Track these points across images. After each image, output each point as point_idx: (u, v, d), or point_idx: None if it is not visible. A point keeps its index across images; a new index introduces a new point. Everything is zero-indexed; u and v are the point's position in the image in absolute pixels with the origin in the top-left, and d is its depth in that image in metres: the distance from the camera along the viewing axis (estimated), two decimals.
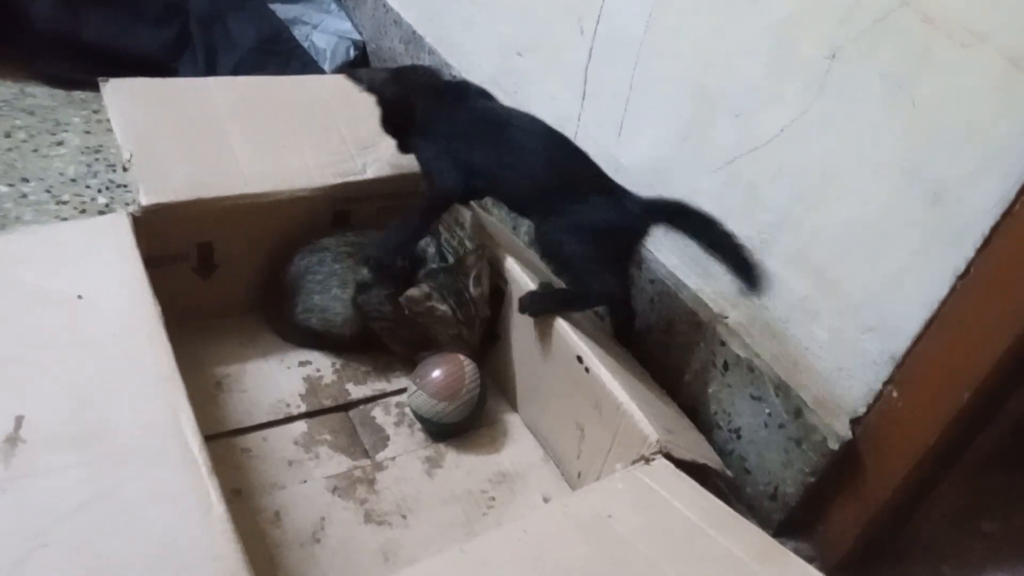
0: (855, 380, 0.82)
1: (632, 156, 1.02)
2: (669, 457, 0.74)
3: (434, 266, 0.96)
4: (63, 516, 0.56)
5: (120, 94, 0.91)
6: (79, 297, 0.72)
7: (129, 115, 0.90)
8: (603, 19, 1.02)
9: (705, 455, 0.82)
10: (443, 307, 0.91)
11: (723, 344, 0.92)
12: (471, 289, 0.92)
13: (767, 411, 0.89)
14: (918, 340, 0.76)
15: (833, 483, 0.86)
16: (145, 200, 0.84)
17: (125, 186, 1.23)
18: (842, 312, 0.82)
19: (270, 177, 0.93)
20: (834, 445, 0.83)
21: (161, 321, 0.72)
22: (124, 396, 0.65)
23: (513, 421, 0.97)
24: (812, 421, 0.85)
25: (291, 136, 0.97)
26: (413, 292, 0.90)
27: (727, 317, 0.93)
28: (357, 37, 1.60)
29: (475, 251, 0.95)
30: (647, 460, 0.73)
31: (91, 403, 0.64)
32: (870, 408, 0.82)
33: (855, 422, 0.83)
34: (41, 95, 1.38)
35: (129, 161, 0.86)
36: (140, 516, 0.58)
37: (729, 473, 0.86)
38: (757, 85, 0.85)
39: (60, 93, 1.38)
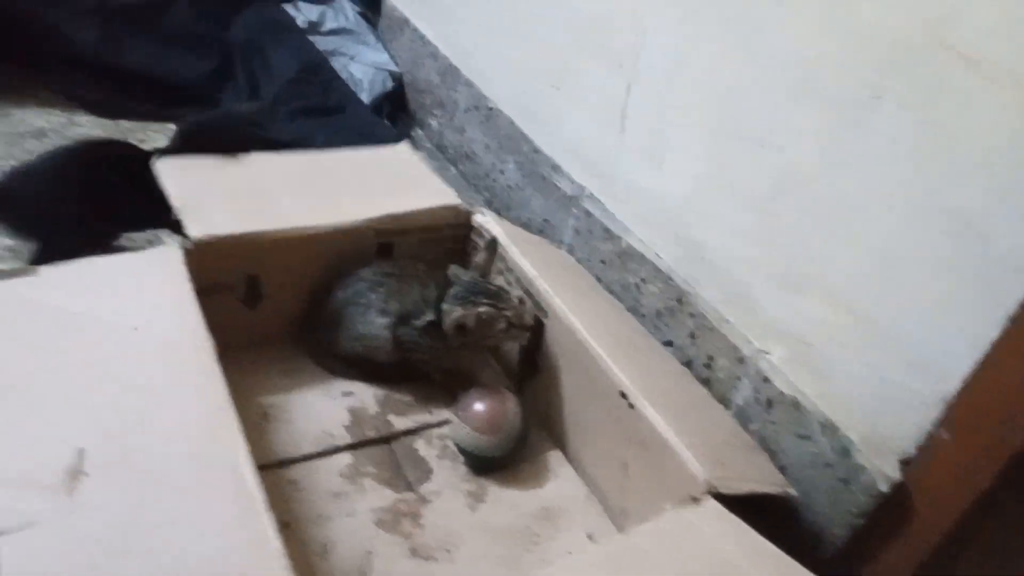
0: (904, 420, 0.81)
1: (669, 190, 1.03)
2: (719, 496, 0.74)
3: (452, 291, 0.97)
4: (125, 548, 0.57)
5: (171, 169, 0.95)
6: (134, 329, 0.74)
7: (181, 186, 0.93)
8: (641, 55, 1.03)
9: (762, 478, 0.82)
10: (481, 309, 0.91)
11: (767, 381, 0.92)
12: (494, 284, 0.96)
13: (813, 450, 0.88)
14: (970, 381, 0.76)
15: (882, 524, 0.85)
16: (195, 233, 0.86)
17: None
18: (888, 351, 0.81)
19: (314, 212, 0.95)
20: (883, 487, 0.82)
21: (214, 355, 0.73)
22: (179, 429, 0.66)
23: (555, 456, 0.96)
24: (860, 461, 0.84)
25: (335, 197, 1.02)
26: (448, 320, 0.91)
27: (770, 353, 0.92)
28: (394, 68, 1.63)
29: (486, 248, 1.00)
30: (695, 500, 0.73)
31: (148, 435, 0.65)
32: (920, 449, 0.81)
33: (904, 463, 0.82)
34: (89, 124, 1.41)
35: (179, 211, 0.88)
36: (198, 549, 0.58)
37: (792, 491, 0.85)
38: (790, 122, 0.85)
39: (108, 123, 1.41)
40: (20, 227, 1.06)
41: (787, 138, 0.85)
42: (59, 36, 1.39)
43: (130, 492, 0.61)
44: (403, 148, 1.16)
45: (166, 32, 1.46)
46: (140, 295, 0.78)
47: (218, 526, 0.60)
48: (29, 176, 1.06)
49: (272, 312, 0.98)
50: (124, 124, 1.43)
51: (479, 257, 1.00)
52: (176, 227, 1.12)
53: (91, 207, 1.05)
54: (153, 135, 1.43)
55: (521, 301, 0.97)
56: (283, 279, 0.97)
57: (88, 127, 1.41)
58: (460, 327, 0.91)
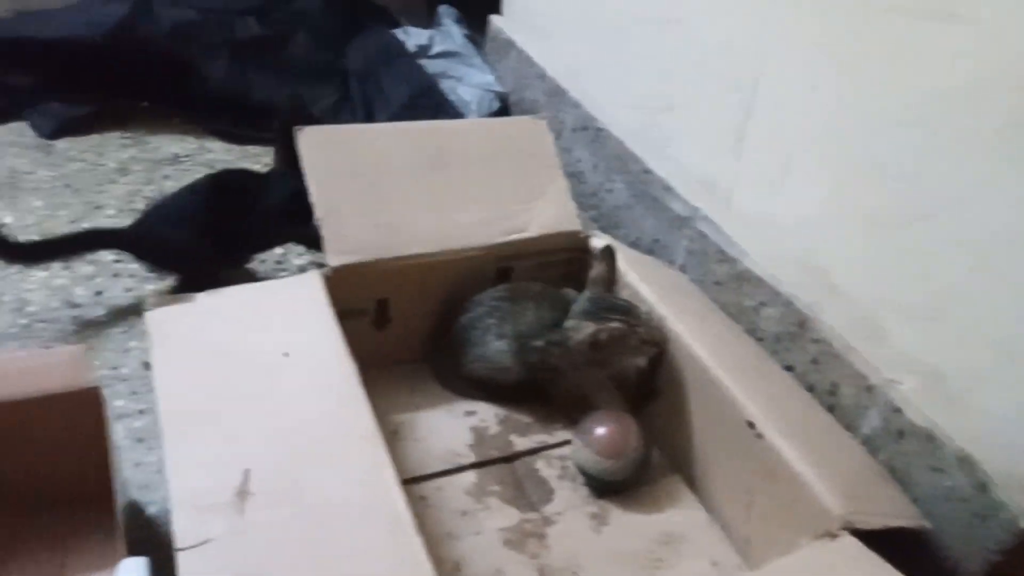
0: None
1: (792, 214, 1.02)
2: (855, 531, 0.73)
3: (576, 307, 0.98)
4: (292, 565, 0.61)
5: (312, 142, 0.97)
6: (285, 355, 0.78)
7: (319, 166, 0.96)
8: (762, 81, 1.02)
9: (896, 511, 0.80)
10: (613, 324, 0.92)
11: (898, 411, 0.90)
12: (620, 298, 0.97)
13: (948, 484, 0.86)
14: None
15: (1020, 560, 0.82)
16: (334, 262, 0.91)
17: None
18: None
19: (442, 237, 0.98)
20: None
21: (359, 380, 0.77)
22: (332, 452, 0.70)
23: (674, 480, 0.97)
24: (1000, 497, 0.81)
25: (463, 190, 1.02)
26: (576, 341, 0.92)
27: (902, 383, 0.90)
28: (500, 89, 1.67)
29: (601, 255, 1.00)
30: (832, 537, 0.72)
31: (303, 459, 0.69)
32: None
33: None
34: (219, 150, 1.51)
35: (319, 220, 0.92)
36: (358, 571, 0.62)
37: (927, 524, 0.83)
38: (932, 154, 0.83)
39: (236, 149, 1.50)
40: (159, 264, 1.15)
41: (925, 167, 0.83)
42: (191, 70, 1.48)
43: (293, 512, 0.65)
44: (535, 124, 1.11)
45: (288, 63, 1.54)
46: (287, 321, 0.83)
47: (373, 550, 0.64)
48: (162, 216, 1.14)
49: (399, 333, 1.02)
50: (251, 149, 1.52)
51: (597, 270, 0.99)
52: (306, 239, 1.16)
53: (222, 234, 1.12)
54: None
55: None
56: (409, 302, 1.01)
57: (218, 152, 1.50)
58: (593, 343, 0.91)
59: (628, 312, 0.94)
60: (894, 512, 0.80)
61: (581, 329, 0.92)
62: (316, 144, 0.97)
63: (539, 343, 0.96)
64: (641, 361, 0.96)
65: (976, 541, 0.83)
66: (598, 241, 1.07)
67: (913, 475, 0.89)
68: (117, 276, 1.19)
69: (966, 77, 0.78)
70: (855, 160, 0.91)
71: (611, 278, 1.00)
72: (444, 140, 1.05)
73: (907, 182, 0.85)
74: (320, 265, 1.27)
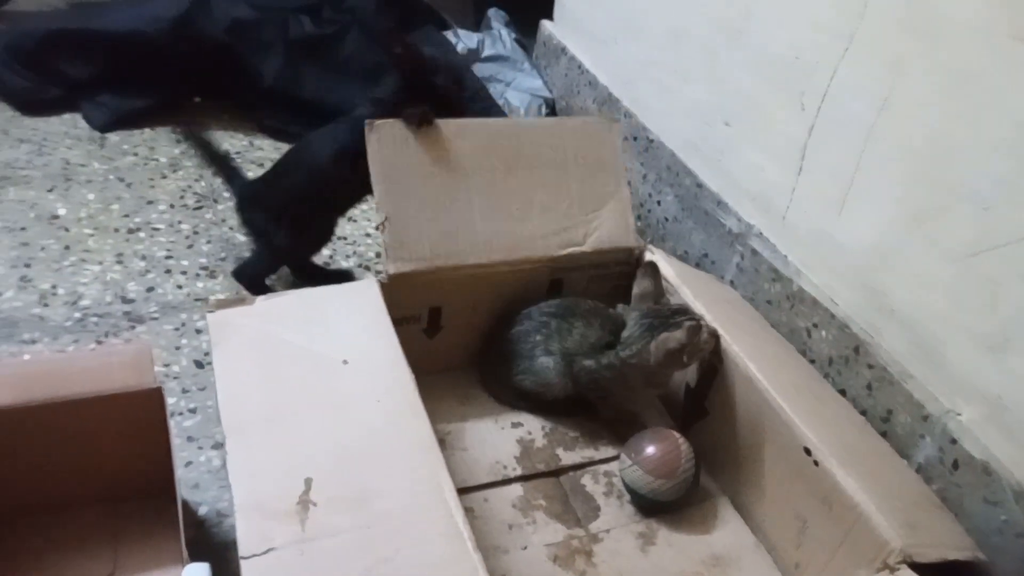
0: None
1: (853, 235, 1.00)
2: (913, 564, 0.72)
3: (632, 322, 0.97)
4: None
5: (382, 135, 0.95)
6: (344, 362, 0.79)
7: (386, 164, 0.95)
8: (829, 97, 1.01)
9: (952, 542, 0.79)
10: (689, 323, 0.91)
11: (954, 442, 0.88)
12: (667, 304, 0.97)
13: (1003, 518, 0.84)
14: None
15: None
16: (392, 269, 0.91)
17: (344, 238, 1.33)
18: None
19: (500, 247, 0.98)
20: None
21: (415, 388, 0.77)
22: (392, 463, 0.70)
23: (722, 501, 0.96)
24: None
25: (526, 197, 1.01)
26: (671, 344, 0.90)
27: (960, 414, 0.88)
28: (548, 95, 1.66)
29: (645, 271, 1.00)
30: (891, 570, 0.71)
31: (363, 468, 0.70)
32: None
33: None
34: (267, 147, 1.52)
35: (383, 225, 0.92)
36: None
37: (982, 555, 0.81)
38: (1010, 181, 0.81)
39: (284, 146, 1.51)
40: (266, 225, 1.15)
41: (999, 196, 0.82)
42: (245, 66, 1.50)
43: (353, 522, 0.65)
44: (609, 125, 1.09)
45: (340, 62, 1.54)
46: (346, 328, 0.83)
47: (434, 563, 0.64)
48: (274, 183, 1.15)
49: (449, 341, 1.03)
50: None
51: (643, 286, 0.99)
52: None
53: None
54: None
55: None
56: (460, 310, 1.01)
57: (268, 150, 1.52)
58: (671, 351, 0.90)
59: (686, 313, 0.94)
60: (950, 543, 0.79)
61: (665, 343, 0.90)
62: (386, 139, 0.95)
63: (589, 363, 0.96)
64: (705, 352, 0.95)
65: None
66: (651, 256, 1.06)
67: (967, 507, 0.87)
68: (169, 272, 1.20)
69: None
70: (929, 184, 0.89)
71: (658, 291, 1.00)
72: (518, 139, 1.02)
73: (987, 209, 0.83)
74: (366, 268, 1.29)
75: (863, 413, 0.98)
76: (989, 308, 0.84)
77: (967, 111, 0.84)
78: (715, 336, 0.94)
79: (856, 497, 0.77)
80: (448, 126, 0.98)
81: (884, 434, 0.96)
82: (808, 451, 0.82)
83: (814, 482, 0.82)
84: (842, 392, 1.01)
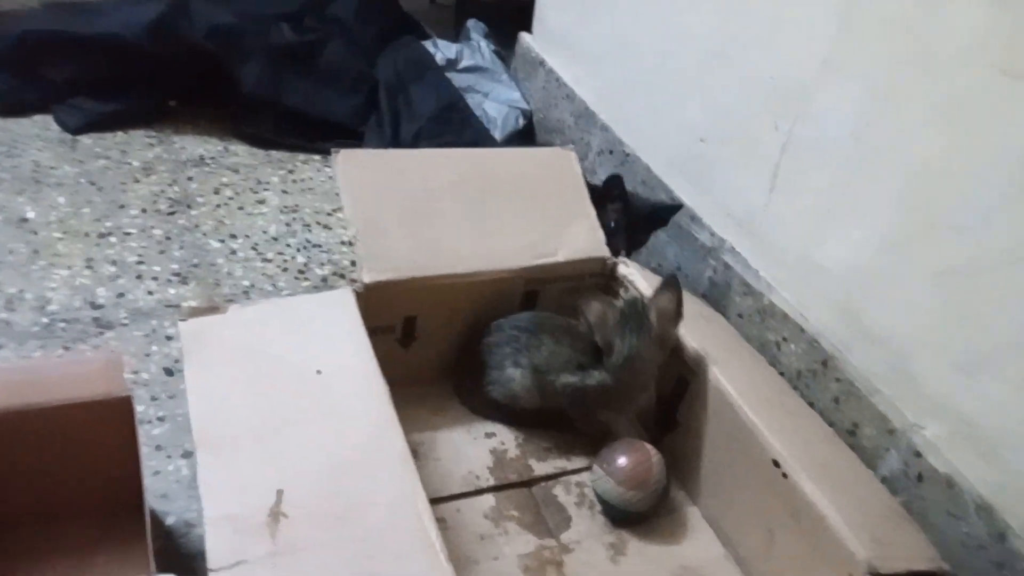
0: None
1: (829, 256, 1.01)
2: (877, 574, 0.73)
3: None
4: None
5: (349, 164, 0.98)
6: (318, 372, 0.78)
7: (355, 186, 0.97)
8: (803, 119, 1.03)
9: (918, 554, 0.80)
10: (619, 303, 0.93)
11: (918, 455, 0.90)
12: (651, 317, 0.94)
13: (965, 530, 0.86)
14: None
15: None
16: (368, 279, 0.91)
17: (319, 246, 1.32)
18: None
19: (474, 258, 0.98)
20: None
21: (390, 400, 0.77)
22: (366, 475, 0.70)
23: (692, 513, 0.97)
24: (1018, 547, 0.81)
25: (496, 215, 1.02)
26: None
27: (925, 428, 0.90)
28: (526, 107, 1.67)
29: (664, 285, 0.97)
30: None
31: (336, 480, 0.69)
32: None
33: None
34: (243, 154, 1.51)
35: (355, 238, 0.93)
36: None
37: (946, 566, 0.83)
38: (989, 207, 0.82)
39: (260, 153, 1.50)
40: None
41: (976, 221, 0.83)
42: (224, 72, 1.49)
43: (325, 535, 0.65)
44: (566, 155, 1.13)
45: (320, 70, 1.54)
46: (320, 338, 0.83)
47: (407, 572, 0.64)
48: None
49: (423, 352, 1.03)
50: (275, 154, 1.52)
51: (663, 302, 0.96)
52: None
53: None
54: (301, 166, 1.51)
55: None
56: (435, 320, 1.01)
57: (243, 156, 1.51)
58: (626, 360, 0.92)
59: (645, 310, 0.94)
60: (916, 555, 0.80)
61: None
62: (354, 165, 0.98)
63: (573, 380, 0.97)
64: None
65: None
66: (625, 268, 1.07)
67: (931, 519, 0.89)
68: (140, 278, 1.19)
69: None
70: (907, 208, 0.90)
71: (678, 312, 0.96)
72: (481, 167, 1.06)
73: (960, 235, 0.85)
74: (341, 276, 1.29)
75: (831, 425, 1.00)
76: (964, 329, 0.86)
77: (946, 138, 0.86)
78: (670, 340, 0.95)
79: (824, 510, 0.78)
80: (413, 156, 1.01)
81: (849, 447, 0.98)
82: (777, 463, 0.83)
83: (783, 494, 0.83)
84: (810, 405, 1.02)
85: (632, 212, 1.14)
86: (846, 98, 0.97)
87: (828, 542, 0.78)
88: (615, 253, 1.07)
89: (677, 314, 0.95)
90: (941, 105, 0.86)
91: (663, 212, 1.19)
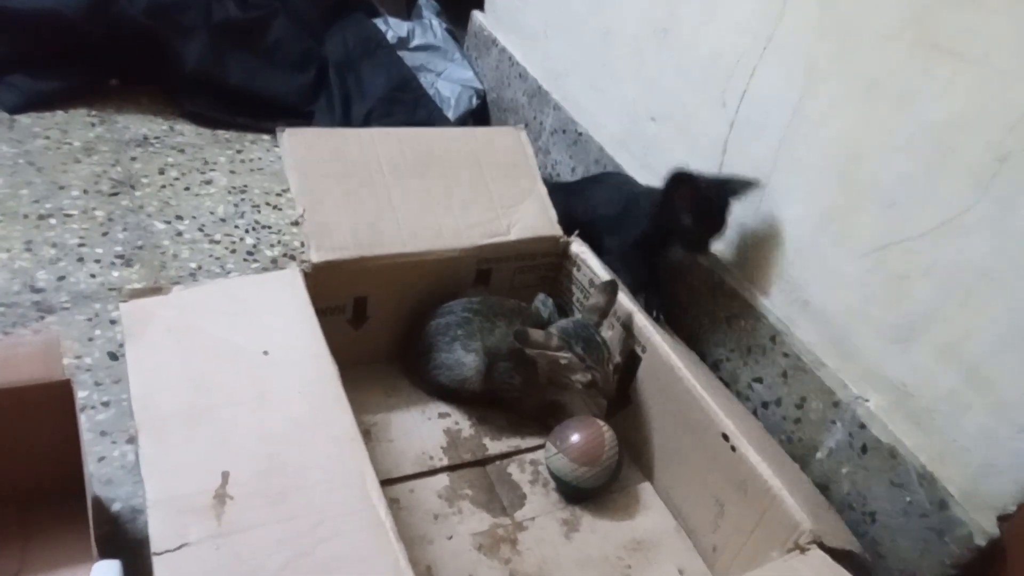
0: (1005, 478, 0.81)
1: (772, 229, 1.03)
2: (821, 545, 0.75)
3: (562, 321, 0.98)
4: (270, 571, 0.60)
5: (295, 143, 0.96)
6: (264, 353, 0.77)
7: (302, 165, 0.95)
8: (748, 96, 1.04)
9: (848, 540, 0.82)
10: (567, 354, 0.92)
11: (863, 427, 0.92)
12: (600, 334, 0.94)
13: (907, 499, 0.89)
14: None
15: None
16: (316, 258, 0.89)
17: (269, 227, 1.30)
18: (995, 409, 0.81)
19: (425, 236, 0.98)
20: (981, 541, 0.82)
21: (339, 379, 0.76)
22: (312, 455, 0.69)
23: (644, 488, 0.98)
24: (958, 514, 0.84)
25: (446, 194, 1.01)
26: (536, 334, 0.92)
27: (868, 400, 0.93)
28: (479, 86, 1.66)
29: (603, 288, 0.99)
30: (802, 550, 0.74)
31: (283, 460, 0.68)
32: (1021, 507, 0.81)
33: (1002, 519, 0.82)
34: (189, 133, 1.47)
35: (302, 217, 0.91)
36: None
37: (868, 557, 0.86)
38: (914, 180, 0.85)
39: (207, 132, 1.47)
40: None
41: (903, 194, 0.86)
42: (166, 50, 1.44)
43: (272, 516, 0.64)
44: (516, 133, 1.12)
45: (266, 48, 1.51)
46: (267, 318, 0.81)
47: (356, 556, 0.63)
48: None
49: (375, 332, 1.02)
50: (222, 134, 1.49)
51: (596, 300, 0.99)
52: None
53: None
54: (249, 145, 1.48)
55: (615, 370, 0.95)
56: (386, 301, 1.00)
57: (189, 136, 1.47)
58: (528, 343, 0.92)
59: (595, 351, 0.93)
60: (842, 537, 0.82)
61: (534, 338, 0.92)
62: (301, 144, 0.96)
63: (506, 364, 0.97)
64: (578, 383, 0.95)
65: (933, 555, 0.86)
66: (578, 247, 1.07)
67: (874, 488, 0.92)
68: (82, 261, 1.15)
69: (956, 111, 0.80)
70: (839, 182, 0.93)
71: (608, 309, 0.98)
72: (429, 145, 1.04)
73: (891, 209, 0.87)
74: (291, 257, 1.27)
75: (778, 400, 1.02)
76: (893, 301, 0.89)
77: (874, 113, 0.88)
78: (592, 385, 0.93)
79: (770, 481, 0.80)
80: (362, 134, 0.99)
81: (798, 421, 1.00)
82: (726, 437, 0.85)
83: (731, 467, 0.84)
84: (759, 380, 1.04)
85: (703, 196, 1.02)
86: (785, 75, 0.98)
87: (775, 512, 0.79)
88: (649, 305, 1.05)
89: (604, 314, 0.98)
90: (865, 79, 0.88)
91: (737, 187, 1.04)
